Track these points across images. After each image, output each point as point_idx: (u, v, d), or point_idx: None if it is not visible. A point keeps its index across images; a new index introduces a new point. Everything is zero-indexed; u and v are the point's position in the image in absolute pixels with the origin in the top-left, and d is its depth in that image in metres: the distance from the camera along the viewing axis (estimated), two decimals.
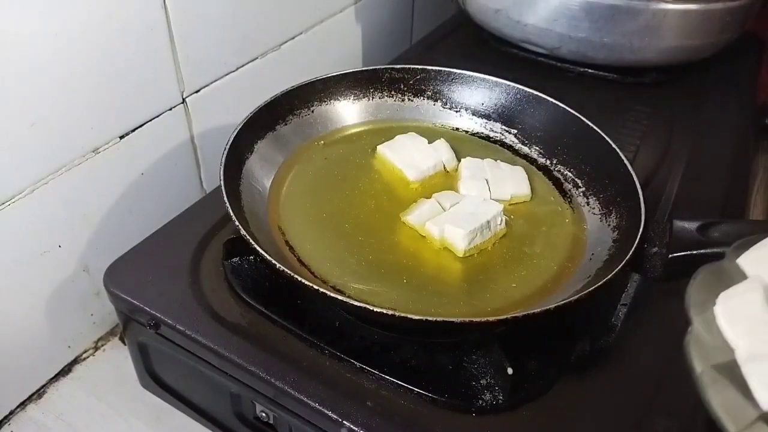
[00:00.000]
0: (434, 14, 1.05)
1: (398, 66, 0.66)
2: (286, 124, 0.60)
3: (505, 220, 0.54)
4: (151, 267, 0.52)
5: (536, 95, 0.63)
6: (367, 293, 0.48)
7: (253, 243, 0.45)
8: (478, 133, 0.65)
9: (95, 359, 0.62)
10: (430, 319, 0.42)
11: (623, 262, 0.45)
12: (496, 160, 0.60)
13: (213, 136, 0.67)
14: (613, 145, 0.56)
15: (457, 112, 0.66)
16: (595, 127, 0.58)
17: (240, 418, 0.51)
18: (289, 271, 0.43)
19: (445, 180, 0.59)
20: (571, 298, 0.43)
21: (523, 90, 0.64)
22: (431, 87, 0.66)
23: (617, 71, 0.80)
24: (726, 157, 0.71)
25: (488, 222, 0.52)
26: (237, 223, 0.46)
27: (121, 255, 0.53)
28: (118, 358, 0.61)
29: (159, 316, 0.48)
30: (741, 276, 0.36)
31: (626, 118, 0.75)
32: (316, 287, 0.42)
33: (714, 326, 0.34)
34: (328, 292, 0.42)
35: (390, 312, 0.41)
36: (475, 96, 0.66)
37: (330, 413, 0.42)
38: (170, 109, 0.62)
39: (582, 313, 0.49)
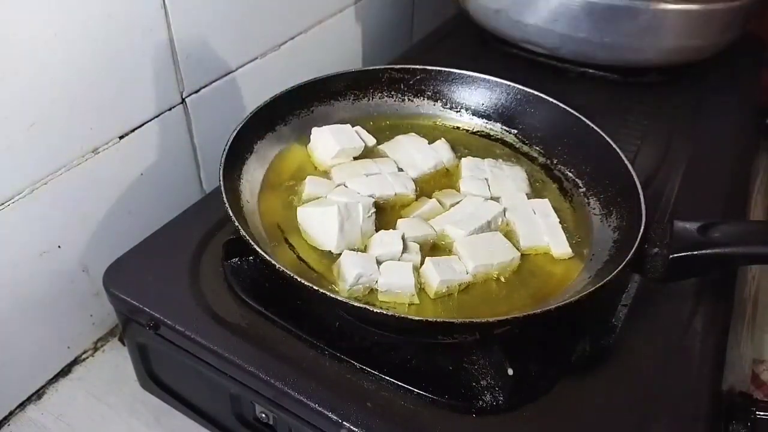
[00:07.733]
0: (434, 14, 1.05)
1: (398, 66, 0.66)
2: (286, 124, 0.60)
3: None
4: (151, 267, 0.52)
5: (536, 95, 0.63)
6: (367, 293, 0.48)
7: (252, 243, 0.45)
8: (478, 132, 0.65)
9: (94, 360, 0.62)
10: (430, 319, 0.42)
11: (624, 263, 0.45)
12: (496, 160, 0.60)
13: (213, 136, 0.67)
14: (614, 146, 0.56)
15: (457, 112, 0.66)
16: (595, 128, 0.58)
17: (240, 419, 0.51)
18: (288, 272, 0.43)
19: (445, 180, 0.59)
20: (572, 299, 0.43)
21: (523, 90, 0.63)
22: (431, 87, 0.66)
23: (617, 71, 0.79)
24: (726, 157, 0.71)
25: (489, 222, 0.52)
26: (236, 223, 0.46)
27: (121, 255, 0.53)
28: (118, 359, 0.61)
29: (158, 316, 0.48)
30: None
31: (626, 118, 0.75)
32: (315, 287, 0.42)
33: None
34: (327, 293, 0.42)
35: (389, 312, 0.41)
36: (475, 96, 0.65)
37: (330, 414, 0.42)
38: (170, 109, 0.62)
39: (582, 314, 0.49)
